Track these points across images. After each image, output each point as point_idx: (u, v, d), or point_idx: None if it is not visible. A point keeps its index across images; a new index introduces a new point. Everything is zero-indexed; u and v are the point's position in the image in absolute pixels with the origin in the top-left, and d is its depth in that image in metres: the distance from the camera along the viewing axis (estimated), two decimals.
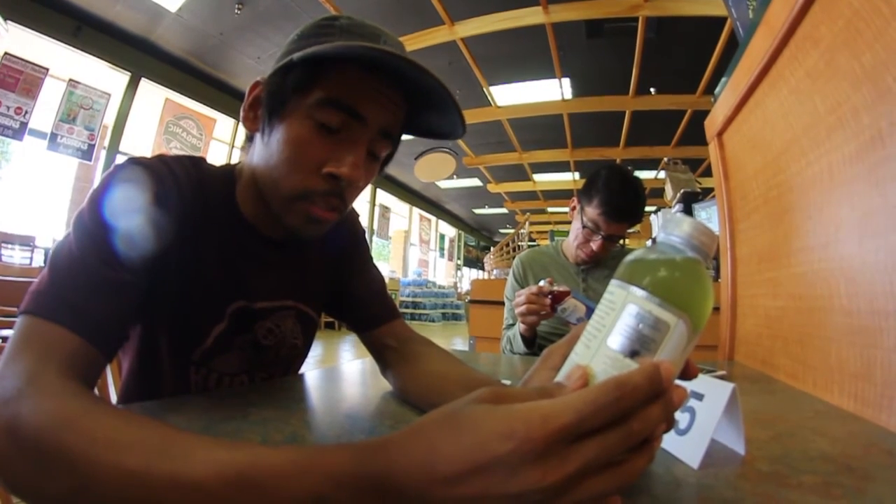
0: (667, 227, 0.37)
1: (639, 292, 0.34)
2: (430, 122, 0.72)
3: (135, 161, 0.65)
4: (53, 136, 5.82)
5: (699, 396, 0.55)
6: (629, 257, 0.37)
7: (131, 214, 0.60)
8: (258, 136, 0.70)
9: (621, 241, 1.53)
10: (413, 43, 5.76)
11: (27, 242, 5.79)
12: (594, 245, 1.52)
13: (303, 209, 0.67)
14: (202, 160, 0.76)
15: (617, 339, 0.34)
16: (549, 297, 1.29)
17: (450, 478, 0.29)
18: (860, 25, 0.78)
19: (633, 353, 0.33)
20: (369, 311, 0.91)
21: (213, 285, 0.73)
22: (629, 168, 1.56)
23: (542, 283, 1.31)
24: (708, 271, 0.36)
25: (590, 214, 1.50)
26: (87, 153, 6.10)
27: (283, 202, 0.68)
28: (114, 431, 0.37)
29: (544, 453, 0.28)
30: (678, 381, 0.34)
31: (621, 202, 1.45)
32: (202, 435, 0.37)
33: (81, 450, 0.36)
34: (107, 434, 0.37)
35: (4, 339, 2.46)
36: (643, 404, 0.30)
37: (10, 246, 5.57)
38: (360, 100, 0.64)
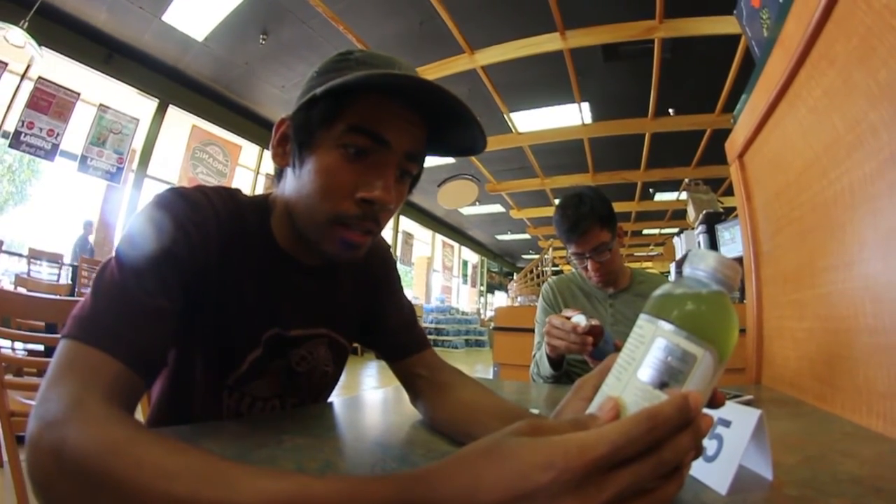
0: (692, 261, 0.39)
1: (667, 326, 0.35)
2: (452, 140, 0.74)
3: (174, 191, 0.68)
4: (84, 159, 6.07)
5: (727, 423, 0.55)
6: (657, 292, 0.39)
7: (171, 243, 0.62)
8: (289, 170, 0.73)
9: (609, 249, 1.55)
10: (434, 72, 5.89)
11: (55, 260, 5.91)
12: (590, 267, 1.58)
13: (338, 235, 0.68)
14: (238, 191, 0.79)
15: (647, 372, 0.35)
16: (588, 334, 1.24)
17: None
18: (874, 42, 0.78)
19: (662, 385, 0.34)
20: (400, 340, 0.92)
21: (249, 313, 0.75)
22: (581, 188, 1.61)
23: (579, 318, 1.25)
24: (732, 298, 0.37)
25: (568, 249, 1.63)
26: (115, 176, 6.34)
27: (319, 229, 0.69)
28: (160, 458, 0.38)
29: (582, 482, 0.29)
30: (705, 410, 0.35)
31: (566, 223, 1.54)
32: (247, 464, 0.37)
33: (129, 476, 0.36)
34: (154, 461, 0.37)
35: (31, 352, 2.54)
36: (673, 433, 0.31)
37: (38, 262, 5.71)
38: (384, 125, 0.65)
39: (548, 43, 5.44)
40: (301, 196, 0.70)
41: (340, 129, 0.65)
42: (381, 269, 0.95)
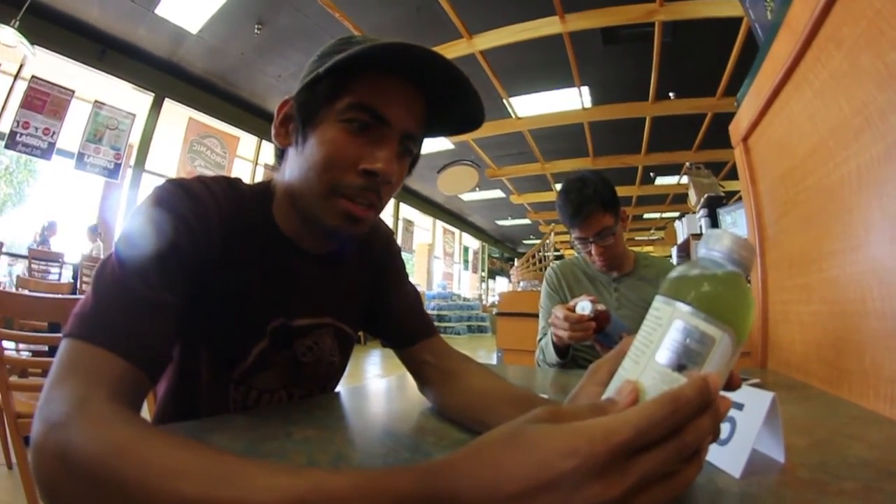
0: (707, 242, 0.38)
1: (684, 308, 0.35)
2: (452, 114, 0.74)
3: (174, 182, 0.67)
4: (80, 156, 6.06)
5: (739, 406, 0.56)
6: (673, 273, 0.38)
7: (172, 235, 0.61)
8: (291, 150, 0.73)
9: (613, 234, 1.55)
10: None
11: (56, 259, 5.91)
12: (593, 252, 1.59)
13: (341, 206, 0.68)
14: (238, 180, 0.78)
15: (665, 354, 0.35)
16: (593, 319, 1.22)
17: (514, 496, 0.29)
18: (883, 26, 0.77)
19: (680, 367, 0.34)
20: (407, 327, 0.91)
21: (253, 303, 0.74)
22: (584, 172, 1.61)
23: (585, 304, 1.25)
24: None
25: (572, 233, 1.63)
26: (113, 172, 6.34)
27: (321, 200, 0.68)
28: (169, 459, 0.37)
29: (606, 468, 0.29)
30: (722, 392, 0.35)
31: (570, 207, 1.54)
32: (259, 460, 0.37)
33: (136, 477, 0.35)
34: (161, 461, 0.36)
35: (34, 352, 2.54)
36: (694, 416, 0.31)
37: (39, 262, 5.72)
38: (385, 102, 0.66)
39: (547, 26, 5.39)
40: (304, 170, 0.69)
41: (343, 105, 0.66)
42: (384, 256, 0.95)
